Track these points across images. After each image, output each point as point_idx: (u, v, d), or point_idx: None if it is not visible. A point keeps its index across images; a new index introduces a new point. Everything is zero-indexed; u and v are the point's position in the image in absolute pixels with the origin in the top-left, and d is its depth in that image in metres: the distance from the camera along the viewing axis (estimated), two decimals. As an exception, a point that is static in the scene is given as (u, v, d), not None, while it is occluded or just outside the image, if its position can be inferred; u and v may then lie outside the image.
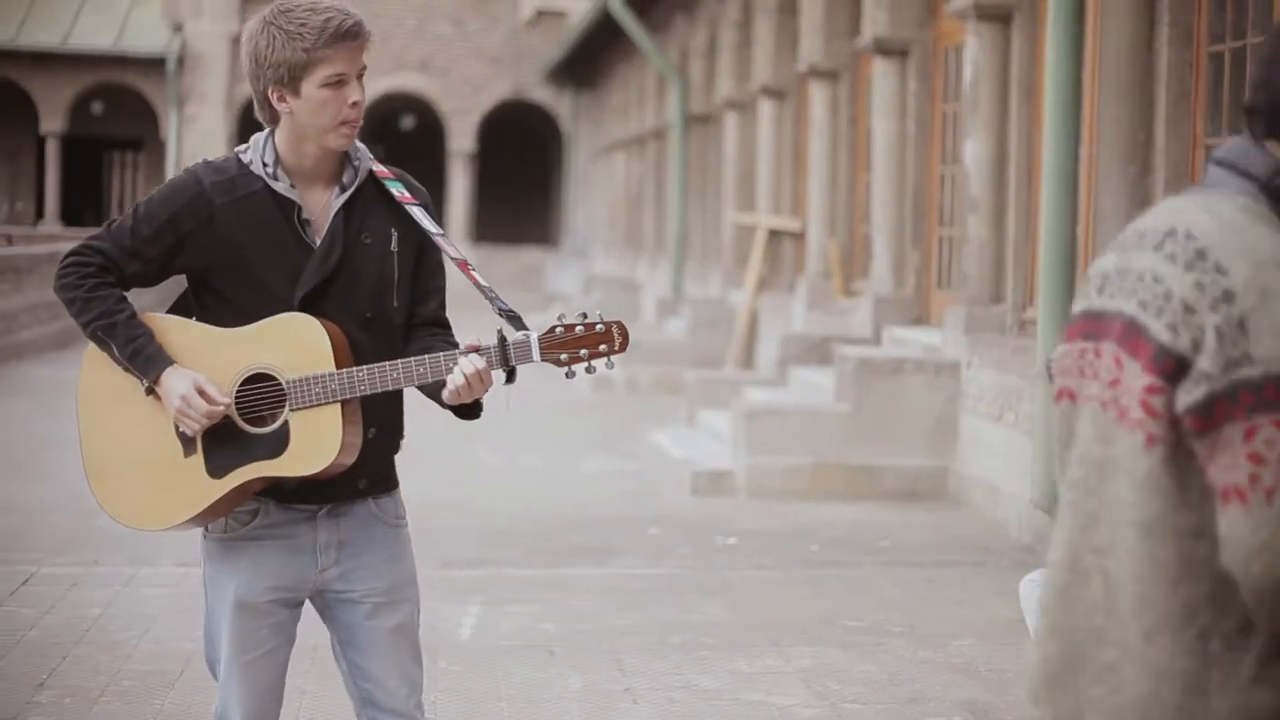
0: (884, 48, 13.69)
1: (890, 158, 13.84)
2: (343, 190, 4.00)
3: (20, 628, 7.56)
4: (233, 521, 4.02)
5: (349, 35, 3.88)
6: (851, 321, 14.52)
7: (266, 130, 4.01)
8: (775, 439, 11.68)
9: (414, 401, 4.07)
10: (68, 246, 4.12)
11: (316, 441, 3.88)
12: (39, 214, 38.90)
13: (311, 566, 4.05)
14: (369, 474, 4.03)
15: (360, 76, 3.94)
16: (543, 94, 38.59)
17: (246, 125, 38.39)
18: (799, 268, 17.84)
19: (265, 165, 3.96)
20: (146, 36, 37.16)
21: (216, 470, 3.92)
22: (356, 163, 4.01)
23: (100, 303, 3.92)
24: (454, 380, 3.86)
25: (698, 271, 22.93)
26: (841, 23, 15.84)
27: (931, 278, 13.72)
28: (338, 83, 3.88)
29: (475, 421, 4.05)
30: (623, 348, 3.97)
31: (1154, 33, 8.97)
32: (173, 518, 3.98)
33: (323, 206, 4.00)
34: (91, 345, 3.97)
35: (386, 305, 4.01)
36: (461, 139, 37.98)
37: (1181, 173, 8.91)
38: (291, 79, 3.87)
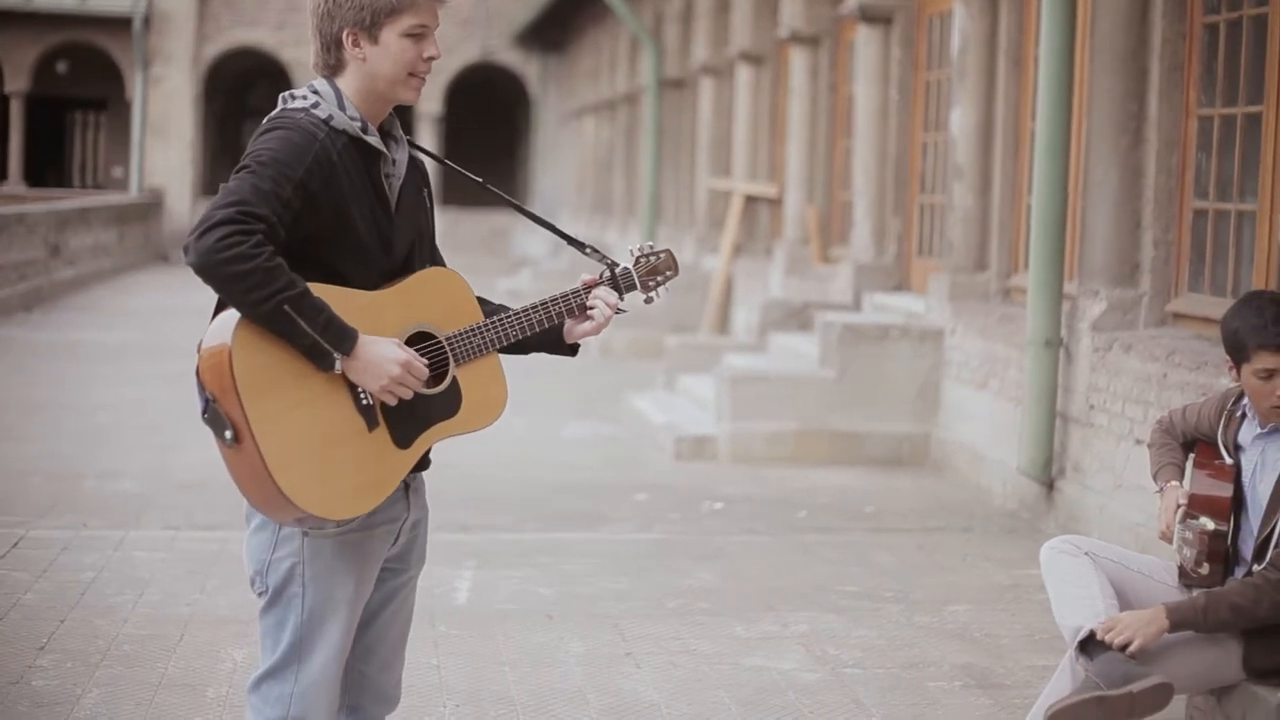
0: (868, 14, 13.67)
1: (872, 125, 13.85)
2: (397, 144, 3.85)
3: (15, 591, 7.53)
4: None
5: None
6: (831, 288, 14.54)
7: (324, 80, 3.75)
8: (759, 405, 11.71)
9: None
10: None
11: (486, 393, 3.83)
12: (2, 174, 38.63)
13: (391, 545, 3.88)
14: None
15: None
16: (511, 57, 38.52)
17: (213, 86, 38.23)
18: (775, 233, 17.86)
19: (352, 118, 3.70)
20: (113, -5, 36.88)
21: (402, 440, 3.69)
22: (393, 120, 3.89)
23: (281, 274, 3.47)
24: (601, 313, 3.93)
25: (670, 236, 22.90)
26: (823, -11, 15.84)
27: (912, 245, 13.74)
28: (419, 34, 3.72)
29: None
30: (676, 273, 4.12)
31: (1148, 3, 8.98)
32: (376, 497, 3.67)
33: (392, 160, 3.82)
34: (239, 329, 3.50)
35: (432, 261, 3.95)
36: (429, 102, 37.83)
37: (1173, 143, 8.92)
38: (373, 24, 3.67)
